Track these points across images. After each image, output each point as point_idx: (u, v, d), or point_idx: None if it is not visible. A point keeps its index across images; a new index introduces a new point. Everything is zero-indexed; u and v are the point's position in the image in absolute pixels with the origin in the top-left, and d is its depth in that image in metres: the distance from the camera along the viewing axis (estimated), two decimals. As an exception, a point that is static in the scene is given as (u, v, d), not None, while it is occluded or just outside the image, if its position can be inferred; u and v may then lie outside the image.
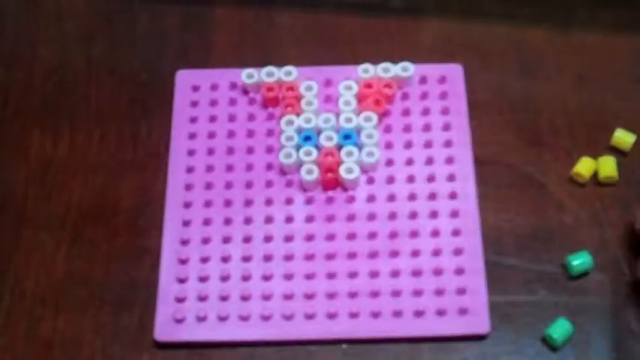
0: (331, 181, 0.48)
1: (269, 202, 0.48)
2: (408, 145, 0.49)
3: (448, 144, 0.48)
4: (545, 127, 0.50)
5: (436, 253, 0.46)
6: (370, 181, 0.48)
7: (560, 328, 0.44)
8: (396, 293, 0.45)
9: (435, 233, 0.46)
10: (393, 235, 0.46)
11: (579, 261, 0.45)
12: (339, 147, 0.48)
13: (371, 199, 0.47)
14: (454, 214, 0.47)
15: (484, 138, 0.49)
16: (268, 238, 0.47)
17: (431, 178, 0.48)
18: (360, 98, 0.49)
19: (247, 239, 0.47)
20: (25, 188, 0.49)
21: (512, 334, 0.44)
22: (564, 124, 0.50)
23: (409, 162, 0.48)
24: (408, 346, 0.44)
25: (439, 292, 0.45)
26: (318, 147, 0.48)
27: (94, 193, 0.49)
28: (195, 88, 0.51)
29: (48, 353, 0.45)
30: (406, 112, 0.50)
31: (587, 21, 0.53)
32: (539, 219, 0.47)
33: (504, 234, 0.47)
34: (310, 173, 0.47)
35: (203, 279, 0.46)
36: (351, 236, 0.46)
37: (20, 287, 0.47)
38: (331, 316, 0.45)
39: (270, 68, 0.50)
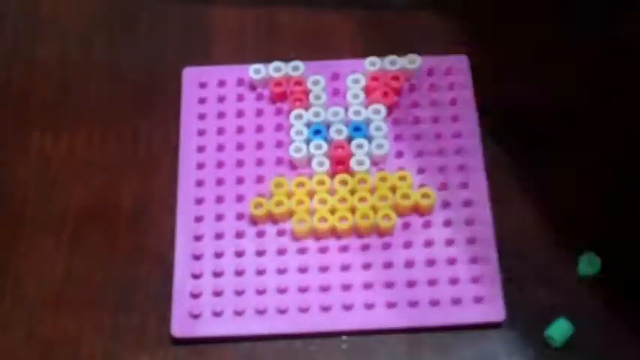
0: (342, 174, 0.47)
1: (280, 195, 0.47)
2: (418, 136, 0.49)
3: (457, 135, 0.49)
4: (544, 124, 0.50)
5: (449, 242, 0.46)
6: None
7: (560, 328, 0.44)
8: (411, 283, 0.45)
9: (448, 223, 0.46)
10: (406, 225, 0.46)
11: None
12: (349, 140, 0.48)
13: (382, 190, 0.47)
14: (466, 203, 0.47)
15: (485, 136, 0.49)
16: (281, 232, 0.46)
17: (441, 169, 0.48)
18: (368, 91, 0.50)
19: (260, 234, 0.46)
20: (25, 188, 0.49)
21: (512, 334, 0.44)
22: (563, 122, 0.50)
23: (419, 153, 0.48)
24: (407, 346, 0.44)
25: (453, 282, 0.45)
26: (327, 140, 0.48)
27: (94, 193, 0.48)
28: (203, 85, 0.51)
29: (48, 353, 0.44)
30: (414, 104, 0.50)
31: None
32: (539, 218, 0.47)
33: (504, 234, 0.46)
34: (321, 166, 0.47)
35: (217, 274, 0.45)
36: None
37: (20, 287, 0.46)
38: (347, 307, 0.44)
39: (278, 63, 0.50)
